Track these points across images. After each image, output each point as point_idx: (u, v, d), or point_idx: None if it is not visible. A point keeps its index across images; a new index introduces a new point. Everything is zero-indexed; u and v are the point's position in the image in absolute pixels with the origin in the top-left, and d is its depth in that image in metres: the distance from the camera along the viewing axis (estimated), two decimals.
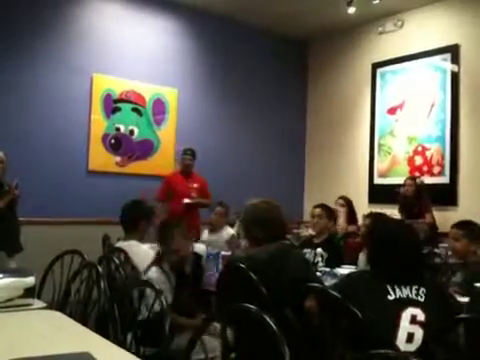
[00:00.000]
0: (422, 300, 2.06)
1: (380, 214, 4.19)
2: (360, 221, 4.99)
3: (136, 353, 1.87)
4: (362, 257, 3.71)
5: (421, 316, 2.03)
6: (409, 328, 2.01)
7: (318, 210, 4.05)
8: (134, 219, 3.56)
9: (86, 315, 2.33)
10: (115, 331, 2.06)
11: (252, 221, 2.70)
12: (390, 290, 2.06)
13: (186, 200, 5.29)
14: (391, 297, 2.05)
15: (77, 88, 5.81)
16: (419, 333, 2.01)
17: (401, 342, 1.99)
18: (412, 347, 2.00)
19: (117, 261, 3.00)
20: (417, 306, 2.05)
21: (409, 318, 2.02)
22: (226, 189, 6.05)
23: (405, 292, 2.07)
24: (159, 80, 6.38)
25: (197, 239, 4.76)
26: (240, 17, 6.80)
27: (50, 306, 2.22)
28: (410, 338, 2.00)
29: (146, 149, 6.22)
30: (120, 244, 3.57)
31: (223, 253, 3.88)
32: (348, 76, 7.23)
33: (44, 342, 1.71)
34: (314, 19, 6.87)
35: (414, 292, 2.07)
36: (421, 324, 2.02)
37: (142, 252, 3.31)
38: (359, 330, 1.97)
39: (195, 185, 5.52)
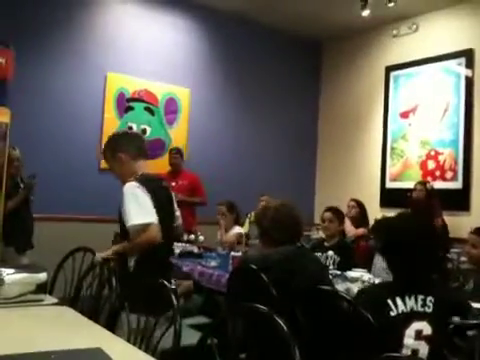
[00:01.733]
0: (430, 311, 1.92)
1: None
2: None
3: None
4: (377, 260, 3.67)
5: (427, 330, 1.90)
6: (413, 345, 1.89)
7: (329, 214, 4.04)
8: None
9: (97, 312, 2.33)
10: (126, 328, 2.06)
11: (271, 224, 2.70)
12: (392, 305, 1.92)
13: None
14: (393, 313, 1.91)
15: (91, 87, 5.85)
16: (425, 349, 1.89)
17: None
18: None
19: None
20: (423, 319, 1.91)
21: (413, 334, 1.89)
22: (237, 189, 6.06)
23: (409, 304, 1.92)
24: (172, 79, 6.40)
25: (195, 236, 4.76)
26: (254, 17, 6.80)
27: (62, 302, 2.23)
28: (414, 354, 1.88)
29: (158, 148, 6.23)
30: None
31: (233, 254, 3.89)
32: (361, 79, 7.21)
33: (55, 337, 1.72)
34: (328, 20, 6.85)
35: (420, 303, 1.93)
36: (427, 339, 1.89)
37: None
38: (370, 336, 1.93)
39: (180, 182, 5.55)
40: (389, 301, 1.92)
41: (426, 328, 1.91)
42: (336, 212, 4.09)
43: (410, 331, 1.89)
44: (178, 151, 5.86)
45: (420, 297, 1.93)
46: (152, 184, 2.70)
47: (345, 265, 3.51)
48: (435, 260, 2.09)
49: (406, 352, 1.88)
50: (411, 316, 1.91)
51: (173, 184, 5.19)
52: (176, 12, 6.47)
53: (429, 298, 1.94)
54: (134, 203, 2.57)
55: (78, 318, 2.02)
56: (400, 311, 1.91)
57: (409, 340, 1.89)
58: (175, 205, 2.92)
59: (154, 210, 2.59)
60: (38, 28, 5.48)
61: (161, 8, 6.37)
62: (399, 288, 1.96)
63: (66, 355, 1.27)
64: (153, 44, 6.31)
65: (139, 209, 2.56)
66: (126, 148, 2.78)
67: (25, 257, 4.35)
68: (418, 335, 1.90)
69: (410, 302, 1.92)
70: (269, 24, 6.98)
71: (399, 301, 1.92)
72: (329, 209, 4.14)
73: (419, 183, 5.83)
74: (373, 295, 2.06)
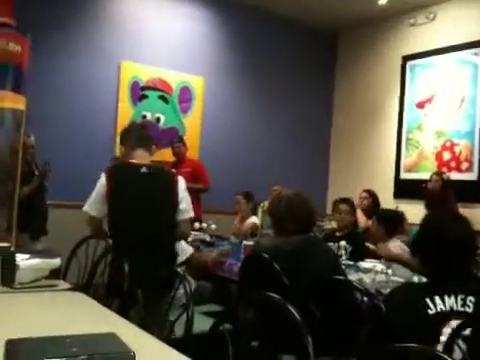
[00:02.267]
0: (470, 310, 1.83)
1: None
2: None
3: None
4: (394, 243, 3.67)
5: (467, 329, 1.80)
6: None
7: (344, 206, 4.05)
8: None
9: (110, 298, 2.35)
10: (138, 314, 2.08)
11: (285, 213, 2.70)
12: (430, 303, 1.83)
13: None
14: (432, 311, 1.83)
15: (105, 75, 5.86)
16: (463, 348, 1.78)
17: None
18: None
19: None
20: (462, 318, 1.81)
21: (451, 332, 1.80)
22: (250, 178, 6.06)
23: (449, 303, 1.84)
24: (185, 68, 6.39)
25: (207, 225, 4.74)
26: (269, 6, 6.76)
27: (75, 288, 2.25)
28: (450, 352, 1.76)
29: (172, 137, 6.21)
30: None
31: (245, 243, 3.89)
32: (377, 68, 7.14)
33: (69, 322, 1.74)
34: (344, 10, 6.78)
35: (460, 302, 1.84)
36: (465, 338, 1.79)
37: None
38: (384, 326, 1.90)
39: (183, 170, 5.49)
40: (427, 300, 1.85)
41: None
42: (350, 204, 4.11)
43: (447, 329, 1.81)
44: (180, 140, 5.83)
45: (460, 296, 1.85)
46: (126, 173, 2.80)
47: (357, 254, 3.51)
48: (472, 258, 1.99)
49: (442, 349, 1.79)
50: (450, 315, 1.83)
51: (181, 171, 5.18)
52: (190, 1, 6.44)
53: (469, 298, 1.86)
54: (94, 191, 2.80)
55: (91, 304, 2.03)
56: (439, 310, 1.84)
57: (447, 338, 1.80)
58: (178, 197, 2.80)
59: (100, 202, 2.74)
60: (53, 17, 5.49)
61: None
62: (438, 287, 1.89)
63: (81, 340, 1.28)
64: (167, 33, 6.29)
65: (92, 198, 2.78)
66: (126, 140, 2.92)
67: (39, 243, 4.39)
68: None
69: (450, 301, 1.85)
70: (284, 14, 6.92)
71: (438, 300, 1.85)
72: (344, 201, 4.13)
73: (435, 174, 5.79)
74: (410, 293, 1.98)
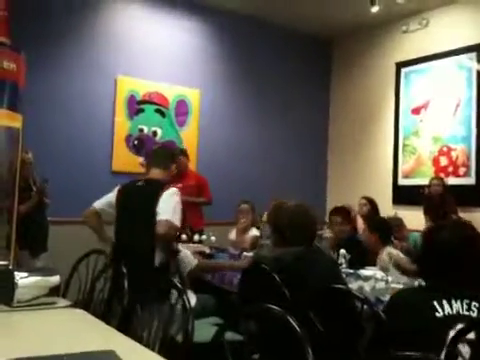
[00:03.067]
0: (475, 315, 1.85)
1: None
2: None
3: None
4: (385, 256, 3.68)
5: (471, 333, 1.80)
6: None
7: (338, 218, 4.05)
8: None
9: (110, 314, 2.34)
10: (138, 330, 2.07)
11: (287, 225, 2.70)
12: (438, 306, 1.85)
13: None
14: (439, 314, 1.84)
15: (101, 90, 5.86)
16: (466, 352, 1.79)
17: None
18: None
19: None
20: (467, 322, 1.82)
21: (453, 336, 1.79)
22: (249, 189, 6.05)
23: (455, 307, 1.85)
24: (182, 81, 6.40)
25: (207, 237, 4.76)
26: (263, 16, 6.79)
27: (75, 305, 2.24)
28: (455, 357, 1.78)
29: None
30: None
31: (245, 254, 3.89)
32: (372, 75, 7.17)
33: (69, 340, 1.73)
34: (338, 18, 6.82)
35: (465, 307, 1.86)
36: (469, 342, 1.79)
37: None
38: (386, 334, 1.90)
39: (187, 183, 5.44)
40: (435, 302, 1.87)
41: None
42: (345, 212, 4.10)
43: (454, 332, 1.81)
44: (181, 152, 5.73)
45: (466, 301, 1.88)
46: (128, 186, 3.22)
47: (357, 263, 3.51)
48: (467, 264, 1.98)
49: (445, 354, 1.79)
50: (457, 318, 1.84)
51: (180, 185, 5.13)
52: (185, 14, 6.47)
53: (474, 303, 1.88)
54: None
55: (91, 320, 2.03)
56: (446, 313, 1.85)
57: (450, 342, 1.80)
58: (158, 202, 2.92)
59: (105, 202, 3.21)
60: (49, 33, 5.50)
61: (169, 10, 6.37)
62: (445, 291, 1.90)
63: (79, 358, 1.28)
64: (162, 46, 6.32)
65: (103, 197, 3.27)
66: (147, 161, 3.38)
67: (39, 261, 4.38)
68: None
69: (456, 305, 1.87)
70: (278, 23, 6.95)
71: (445, 303, 1.87)
72: (337, 211, 4.13)
73: (435, 178, 5.79)
74: (416, 296, 2.00)
